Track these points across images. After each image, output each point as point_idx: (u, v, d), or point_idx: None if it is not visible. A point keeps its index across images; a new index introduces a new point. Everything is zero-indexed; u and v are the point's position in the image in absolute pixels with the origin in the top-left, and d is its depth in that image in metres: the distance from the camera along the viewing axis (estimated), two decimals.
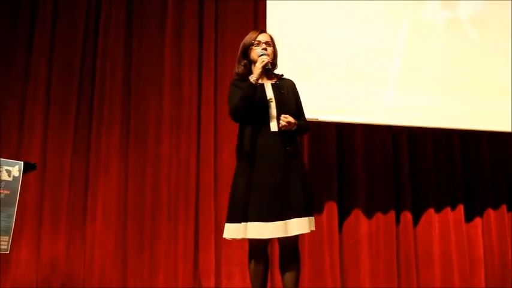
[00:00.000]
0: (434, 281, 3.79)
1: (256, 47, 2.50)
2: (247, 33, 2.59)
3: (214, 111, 3.86)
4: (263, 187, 2.32)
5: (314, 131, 3.76)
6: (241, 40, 2.58)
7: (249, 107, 2.38)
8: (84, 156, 3.77)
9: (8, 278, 3.49)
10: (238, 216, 2.33)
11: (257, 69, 2.41)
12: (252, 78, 2.39)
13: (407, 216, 3.89)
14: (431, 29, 3.85)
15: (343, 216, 3.86)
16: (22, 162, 2.45)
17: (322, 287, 3.67)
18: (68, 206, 3.68)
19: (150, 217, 3.70)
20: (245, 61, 2.53)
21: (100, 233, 3.64)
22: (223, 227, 2.43)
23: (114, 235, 3.65)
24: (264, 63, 2.40)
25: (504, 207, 4.04)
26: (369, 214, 3.87)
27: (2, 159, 2.40)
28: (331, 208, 3.81)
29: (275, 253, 3.25)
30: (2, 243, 2.36)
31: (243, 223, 2.31)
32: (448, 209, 3.95)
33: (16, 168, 2.41)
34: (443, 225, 3.93)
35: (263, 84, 2.48)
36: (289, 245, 2.40)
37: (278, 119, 2.40)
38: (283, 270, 2.41)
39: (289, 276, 2.38)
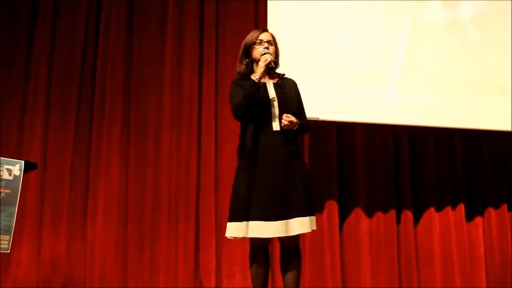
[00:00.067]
0: (435, 281, 3.79)
1: (258, 46, 2.50)
2: (247, 33, 2.60)
3: (215, 111, 3.86)
4: (265, 186, 2.32)
5: (315, 130, 3.76)
6: (242, 40, 2.59)
7: (252, 105, 2.39)
8: (85, 156, 3.77)
9: (9, 278, 3.49)
10: (240, 215, 2.33)
11: (260, 67, 2.41)
12: (255, 76, 2.40)
13: (408, 215, 3.89)
14: (431, 28, 3.85)
15: (343, 215, 3.86)
16: (23, 161, 2.45)
17: (323, 286, 3.67)
18: (68, 205, 3.68)
19: (150, 217, 3.70)
20: (247, 60, 2.53)
21: (100, 233, 3.64)
22: (224, 226, 2.43)
23: (115, 235, 3.65)
24: (267, 61, 2.41)
25: (505, 206, 4.04)
26: (370, 213, 3.87)
27: (2, 158, 2.39)
28: (331, 207, 3.81)
29: (276, 253, 3.25)
30: (3, 242, 2.36)
31: (244, 222, 2.31)
32: (449, 208, 3.95)
33: (17, 167, 2.41)
34: (444, 224, 3.92)
35: (265, 83, 2.48)
36: (290, 245, 2.40)
37: (280, 119, 2.40)
38: (284, 269, 2.41)
39: (290, 275, 2.38)
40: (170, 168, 3.77)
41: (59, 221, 3.64)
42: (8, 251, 2.43)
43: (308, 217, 2.34)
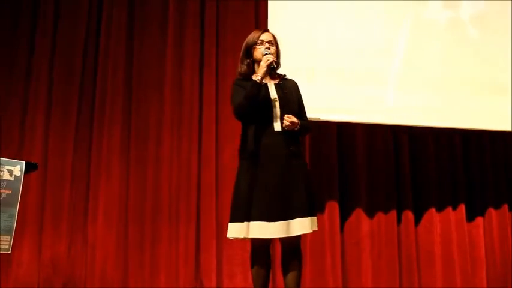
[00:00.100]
0: (435, 281, 3.79)
1: (259, 46, 2.50)
2: (248, 34, 2.60)
3: (216, 112, 3.86)
4: (266, 187, 2.32)
5: (315, 130, 3.75)
6: (243, 40, 2.59)
7: (254, 106, 2.39)
8: (86, 156, 3.77)
9: (10, 278, 3.49)
10: (241, 215, 2.33)
11: (262, 68, 2.42)
12: (257, 77, 2.40)
13: (408, 215, 3.88)
14: (431, 28, 3.84)
15: (344, 215, 3.86)
16: (24, 162, 2.45)
17: (323, 286, 3.67)
18: (69, 206, 3.68)
19: (151, 217, 3.70)
20: (248, 60, 2.53)
21: (101, 233, 3.64)
22: (225, 226, 2.43)
23: (116, 235, 3.65)
24: (269, 62, 2.41)
25: (506, 206, 4.03)
26: (370, 214, 3.87)
27: (3, 158, 2.39)
28: (332, 208, 3.81)
29: (277, 253, 3.25)
30: (4, 243, 2.35)
31: (245, 222, 2.31)
32: (450, 208, 3.95)
33: (18, 168, 2.40)
34: (445, 224, 3.92)
35: (267, 84, 2.48)
36: (291, 245, 2.40)
37: (282, 119, 2.40)
38: (285, 270, 2.41)
39: (291, 276, 2.38)
40: (171, 169, 3.77)
41: (59, 221, 3.64)
42: (9, 252, 2.42)
43: (309, 218, 2.34)
